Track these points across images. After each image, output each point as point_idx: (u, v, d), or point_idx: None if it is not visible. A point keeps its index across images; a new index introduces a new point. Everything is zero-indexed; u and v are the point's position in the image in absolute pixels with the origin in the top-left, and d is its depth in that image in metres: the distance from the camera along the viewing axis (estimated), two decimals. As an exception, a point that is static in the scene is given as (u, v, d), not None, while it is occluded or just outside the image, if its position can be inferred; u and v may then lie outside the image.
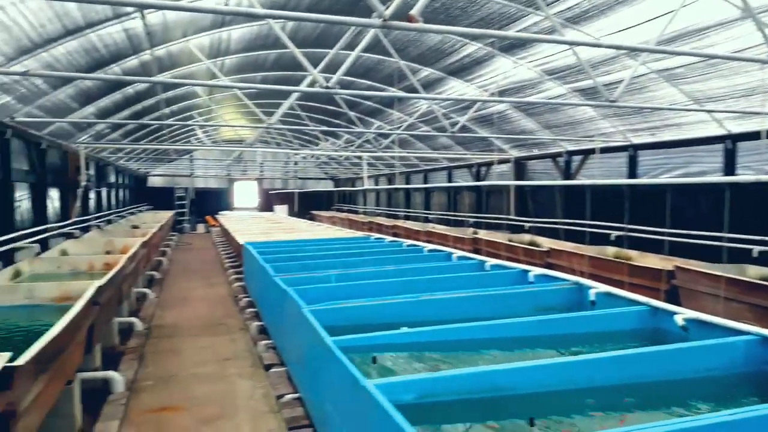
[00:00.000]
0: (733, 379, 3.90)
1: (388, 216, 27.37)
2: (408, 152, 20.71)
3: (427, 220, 23.24)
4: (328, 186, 37.95)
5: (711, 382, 3.87)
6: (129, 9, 8.10)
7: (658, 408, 3.61)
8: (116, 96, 13.03)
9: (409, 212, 26.27)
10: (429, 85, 14.13)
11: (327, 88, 6.65)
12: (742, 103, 9.72)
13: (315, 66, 6.92)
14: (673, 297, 8.38)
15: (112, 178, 22.88)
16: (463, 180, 21.33)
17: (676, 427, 2.58)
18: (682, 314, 4.55)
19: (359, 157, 23.05)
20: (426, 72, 13.53)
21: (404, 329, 4.67)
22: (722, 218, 10.71)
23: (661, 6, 8.01)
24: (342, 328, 4.66)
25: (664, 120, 11.60)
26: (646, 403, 3.65)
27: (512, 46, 11.13)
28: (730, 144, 10.67)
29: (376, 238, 12.19)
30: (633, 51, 9.18)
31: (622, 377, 3.79)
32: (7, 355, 3.49)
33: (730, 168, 10.69)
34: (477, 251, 13.09)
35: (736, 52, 8.37)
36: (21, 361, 3.52)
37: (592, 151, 14.01)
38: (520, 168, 17.69)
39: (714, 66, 9.18)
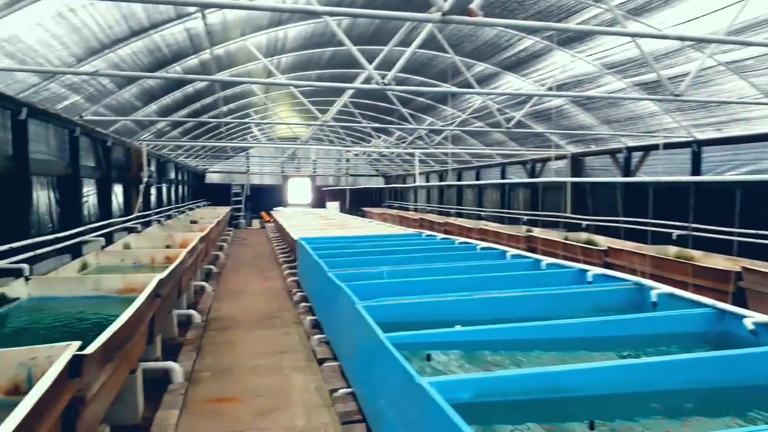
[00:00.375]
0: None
1: (440, 213, 27.24)
2: (460, 149, 20.55)
3: (479, 217, 23.01)
4: (379, 183, 38.11)
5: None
6: (191, 9, 8.33)
7: (724, 415, 3.46)
8: (177, 95, 13.45)
9: (460, 209, 26.06)
10: (483, 80, 13.96)
11: (382, 84, 6.66)
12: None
13: (369, 63, 6.94)
14: (739, 300, 8.00)
15: (172, 175, 23.66)
16: (517, 177, 20.99)
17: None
18: (752, 318, 4.33)
19: (411, 154, 23.02)
20: (480, 67, 13.36)
21: (458, 327, 4.63)
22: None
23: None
24: (394, 324, 4.66)
25: (732, 114, 11.08)
26: (711, 410, 3.51)
27: (570, 40, 10.86)
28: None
29: (427, 235, 12.15)
30: (701, 42, 8.79)
31: (686, 381, 3.64)
32: (78, 343, 3.65)
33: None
34: (532, 250, 12.85)
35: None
36: (90, 349, 3.67)
37: (653, 147, 13.52)
38: (577, 164, 17.27)
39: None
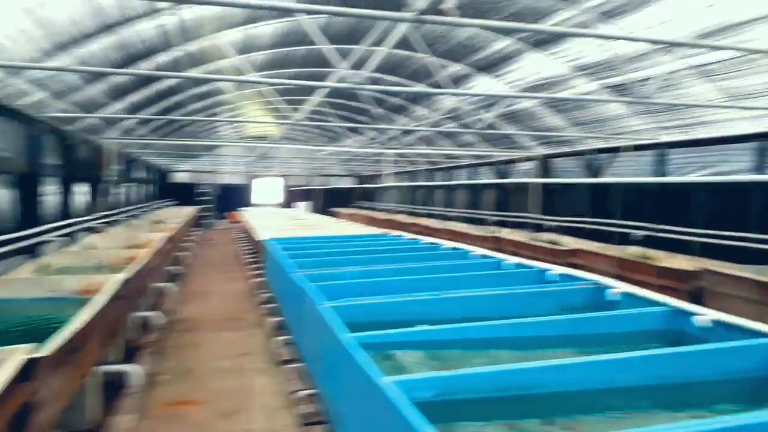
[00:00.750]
0: (757, 382, 3.80)
1: (410, 214, 27.32)
2: (432, 149, 20.65)
3: (446, 217, 23.14)
4: (350, 183, 38.06)
5: (733, 385, 3.77)
6: (163, 4, 8.20)
7: (678, 410, 3.52)
8: (147, 91, 13.22)
9: (431, 210, 26.18)
10: (457, 81, 14.04)
11: (354, 84, 6.63)
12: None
13: (345, 61, 6.92)
14: (700, 299, 8.19)
15: (139, 173, 23.25)
16: (488, 178, 21.17)
17: (694, 429, 2.51)
18: (705, 315, 4.44)
19: (382, 155, 23.04)
20: (454, 68, 13.43)
21: (421, 327, 4.64)
22: (753, 218, 10.44)
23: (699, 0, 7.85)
24: (359, 324, 4.64)
25: (697, 117, 11.35)
26: (666, 405, 3.57)
27: (543, 42, 10.99)
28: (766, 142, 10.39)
29: (395, 236, 12.14)
30: (670, 45, 8.98)
31: (643, 378, 3.71)
32: (30, 346, 3.54)
33: (764, 166, 10.40)
34: (499, 250, 12.94)
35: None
36: (44, 352, 3.57)
37: (620, 149, 13.77)
38: (546, 166, 17.49)
39: (751, 62, 8.93)
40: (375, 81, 14.64)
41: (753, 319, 4.62)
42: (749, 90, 9.65)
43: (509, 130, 16.06)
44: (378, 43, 8.05)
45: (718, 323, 4.40)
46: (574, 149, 15.90)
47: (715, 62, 9.36)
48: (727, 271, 8.08)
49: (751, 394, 3.77)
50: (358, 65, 7.73)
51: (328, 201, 35.27)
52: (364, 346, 3.99)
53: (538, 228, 16.51)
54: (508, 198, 19.67)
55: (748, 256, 9.99)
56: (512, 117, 15.63)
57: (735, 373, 3.79)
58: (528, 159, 17.62)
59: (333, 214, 29.24)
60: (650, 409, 3.54)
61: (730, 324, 4.32)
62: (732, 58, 9.04)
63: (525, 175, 18.13)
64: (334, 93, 17.03)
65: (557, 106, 13.84)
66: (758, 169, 10.49)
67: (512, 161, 19.11)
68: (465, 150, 19.70)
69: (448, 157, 22.96)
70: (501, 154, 18.69)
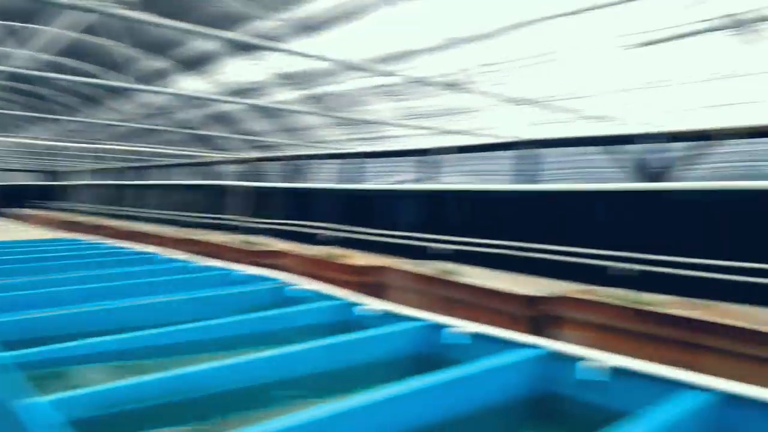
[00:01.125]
0: (408, 361, 4.43)
1: (105, 215, 24.91)
2: (136, 146, 19.31)
3: (145, 219, 21.74)
4: (35, 179, 33.17)
5: (395, 365, 4.34)
6: None
7: (345, 391, 3.88)
8: None
9: (128, 211, 24.24)
10: (162, 76, 13.32)
11: (36, 69, 5.79)
12: (443, 120, 11.20)
13: (24, 42, 5.96)
14: (379, 291, 9.21)
15: None
16: (197, 179, 20.59)
17: (354, 403, 2.82)
18: (371, 305, 5.03)
19: (70, 149, 20.68)
20: (156, 62, 12.71)
21: (96, 339, 4.29)
22: (428, 221, 12.16)
23: (383, 27, 8.83)
24: (26, 341, 4.11)
25: (382, 132, 12.77)
26: (337, 388, 3.91)
27: (245, 48, 11.10)
28: (430, 156, 12.18)
29: (76, 240, 11.09)
30: (354, 69, 9.87)
31: (313, 367, 4.01)
32: None
33: (431, 176, 12.19)
34: (202, 253, 12.67)
35: (441, 75, 9.56)
36: None
37: (323, 156, 14.73)
38: (255, 169, 17.78)
39: (424, 86, 10.34)
40: (59, 67, 13.02)
41: (417, 307, 5.39)
42: (427, 110, 11.25)
43: (217, 131, 15.90)
44: (63, 26, 7.19)
45: (383, 311, 5.00)
46: (285, 154, 16.51)
47: (395, 84, 10.68)
48: (397, 267, 9.30)
49: (410, 370, 4.36)
50: (36, 47, 6.75)
51: (7, 200, 30.12)
52: (24, 365, 3.57)
53: (247, 230, 16.65)
54: (217, 200, 19.41)
55: (421, 254, 11.60)
56: (221, 119, 15.52)
57: (396, 353, 4.37)
58: (240, 161, 17.70)
59: (10, 216, 25.12)
60: (320, 395, 3.84)
61: (394, 313, 4.95)
62: (408, 82, 10.39)
63: (235, 177, 18.16)
64: (14, 77, 14.69)
65: (263, 111, 14.19)
66: (424, 179, 12.30)
67: (221, 162, 18.98)
68: (173, 148, 18.88)
69: (158, 155, 21.72)
70: (211, 155, 18.41)
